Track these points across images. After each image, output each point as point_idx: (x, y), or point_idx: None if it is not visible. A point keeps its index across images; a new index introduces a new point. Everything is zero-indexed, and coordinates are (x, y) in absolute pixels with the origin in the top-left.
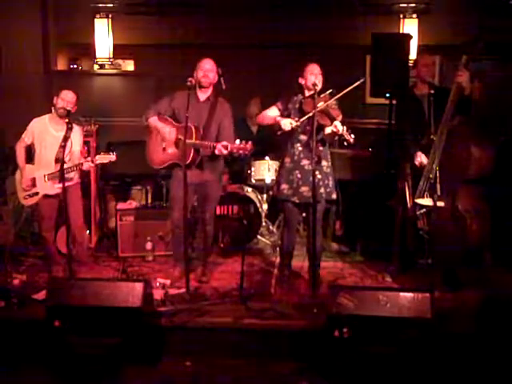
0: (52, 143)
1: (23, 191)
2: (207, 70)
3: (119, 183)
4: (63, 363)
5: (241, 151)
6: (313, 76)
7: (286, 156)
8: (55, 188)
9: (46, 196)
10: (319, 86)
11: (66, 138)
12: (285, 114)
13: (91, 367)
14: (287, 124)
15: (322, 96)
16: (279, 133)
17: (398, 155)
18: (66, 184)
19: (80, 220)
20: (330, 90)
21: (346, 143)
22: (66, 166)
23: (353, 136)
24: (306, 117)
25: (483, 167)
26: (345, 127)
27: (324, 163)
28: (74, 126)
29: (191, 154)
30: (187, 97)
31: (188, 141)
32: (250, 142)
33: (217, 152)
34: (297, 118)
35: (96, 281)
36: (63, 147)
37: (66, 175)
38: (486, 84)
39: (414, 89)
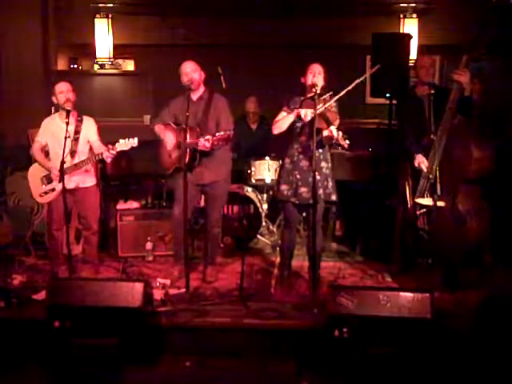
0: (67, 144)
1: (39, 189)
2: (189, 72)
3: (119, 183)
4: (63, 363)
5: (221, 142)
6: (311, 75)
7: (285, 157)
8: (71, 181)
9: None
10: (318, 87)
11: (77, 131)
12: None
13: (91, 367)
14: (308, 114)
15: (321, 98)
16: (300, 124)
17: (399, 155)
18: (85, 186)
19: (96, 224)
20: (330, 93)
21: (340, 148)
22: (84, 157)
23: (347, 142)
24: (318, 111)
25: (483, 167)
26: (340, 132)
27: (323, 164)
28: (84, 117)
29: (187, 155)
30: (182, 100)
31: (187, 142)
32: (230, 131)
33: (200, 147)
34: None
35: (96, 281)
36: (76, 140)
37: (86, 167)
38: (485, 84)
39: (414, 89)
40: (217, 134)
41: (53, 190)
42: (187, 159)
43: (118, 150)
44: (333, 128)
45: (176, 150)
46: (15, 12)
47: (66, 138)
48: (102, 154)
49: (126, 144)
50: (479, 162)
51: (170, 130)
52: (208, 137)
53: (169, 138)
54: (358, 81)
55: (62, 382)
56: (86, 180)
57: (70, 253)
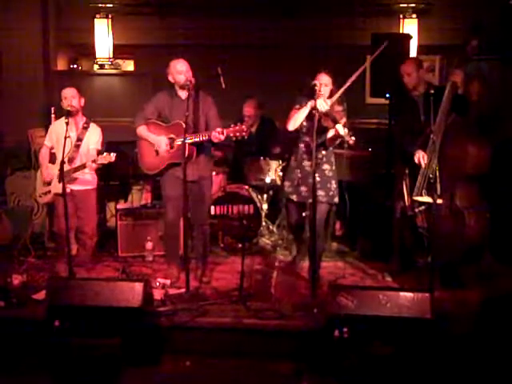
0: (67, 143)
1: (41, 188)
2: (186, 71)
3: (119, 183)
4: (63, 363)
5: (237, 133)
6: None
7: (292, 154)
8: (67, 186)
9: (58, 195)
10: (318, 87)
11: (79, 138)
12: None
13: (91, 367)
14: (323, 104)
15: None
16: (317, 115)
17: (395, 155)
18: (83, 188)
19: (93, 227)
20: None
21: (346, 145)
22: (75, 165)
23: (353, 138)
24: (334, 98)
25: (480, 165)
26: (346, 130)
27: (326, 167)
28: (91, 124)
29: (187, 149)
30: (167, 96)
31: (184, 138)
32: (244, 124)
33: (213, 139)
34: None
35: (96, 281)
36: (77, 147)
37: (80, 176)
38: (485, 84)
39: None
40: (231, 126)
41: (49, 192)
42: (187, 153)
43: (99, 163)
44: (339, 126)
45: (168, 148)
46: (15, 12)
47: (65, 137)
48: (84, 165)
49: (105, 158)
50: (476, 160)
51: (158, 128)
52: (219, 129)
53: (159, 139)
54: (364, 66)
55: (62, 382)
56: (84, 183)
57: (69, 253)
